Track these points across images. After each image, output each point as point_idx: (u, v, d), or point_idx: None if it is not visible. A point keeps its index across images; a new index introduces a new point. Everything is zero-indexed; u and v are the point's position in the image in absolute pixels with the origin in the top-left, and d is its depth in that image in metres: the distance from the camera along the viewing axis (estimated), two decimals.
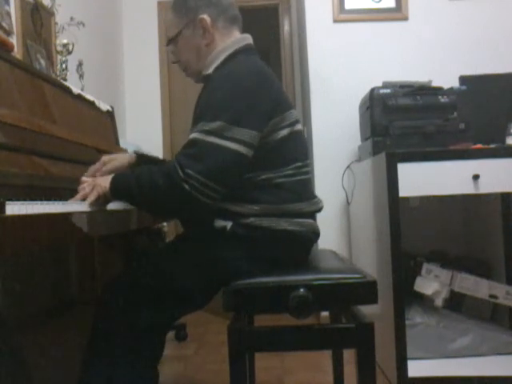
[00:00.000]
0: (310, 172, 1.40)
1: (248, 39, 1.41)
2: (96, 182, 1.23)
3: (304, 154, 1.38)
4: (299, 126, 1.37)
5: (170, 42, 1.42)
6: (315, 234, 1.37)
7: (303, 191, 1.33)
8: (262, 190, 1.27)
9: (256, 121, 1.22)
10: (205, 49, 1.37)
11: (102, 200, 1.23)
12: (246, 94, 1.23)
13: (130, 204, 1.31)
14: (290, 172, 1.30)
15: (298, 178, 1.32)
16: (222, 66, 1.34)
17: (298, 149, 1.34)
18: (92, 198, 1.19)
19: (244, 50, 1.36)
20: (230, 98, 1.21)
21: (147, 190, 1.19)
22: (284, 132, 1.28)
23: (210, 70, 1.35)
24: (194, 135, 1.19)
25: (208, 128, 1.17)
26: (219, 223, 1.27)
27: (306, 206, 1.32)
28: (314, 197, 1.39)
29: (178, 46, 1.41)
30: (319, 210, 1.40)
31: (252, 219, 1.25)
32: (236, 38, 1.38)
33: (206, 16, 1.35)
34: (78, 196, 1.20)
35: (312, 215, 1.37)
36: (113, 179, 1.23)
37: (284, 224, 1.27)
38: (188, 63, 1.42)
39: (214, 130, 1.17)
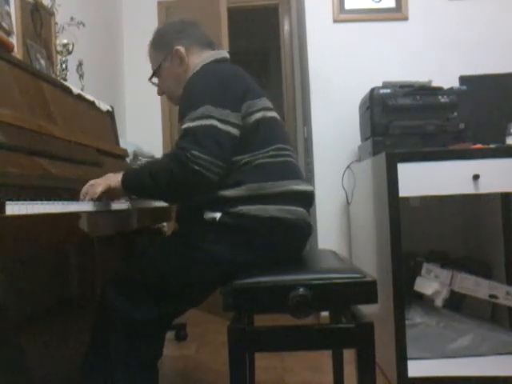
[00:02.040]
0: (295, 157, 1.45)
1: (223, 54, 1.50)
2: (106, 176, 1.31)
3: (284, 139, 1.43)
4: (273, 113, 1.43)
5: (153, 75, 1.54)
6: (307, 224, 1.37)
7: (287, 171, 1.37)
8: (245, 172, 1.31)
9: (233, 103, 1.30)
10: (183, 74, 1.48)
11: (114, 194, 1.30)
12: (220, 81, 1.33)
13: (139, 195, 1.41)
14: (272, 153, 1.35)
15: (281, 159, 1.36)
16: (197, 73, 1.42)
17: (276, 133, 1.40)
18: (100, 188, 1.26)
19: (220, 60, 1.47)
20: (207, 87, 1.32)
21: (160, 178, 1.26)
22: (258, 115, 1.36)
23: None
24: (185, 126, 1.26)
25: (195, 116, 1.25)
26: (208, 215, 1.29)
27: (291, 184, 1.33)
28: (300, 178, 1.40)
29: (161, 77, 1.53)
30: (307, 192, 1.39)
31: (240, 207, 1.27)
32: (209, 54, 1.48)
33: (180, 47, 1.48)
34: (86, 193, 1.27)
35: (302, 202, 1.36)
36: (124, 173, 1.31)
37: (272, 211, 1.28)
38: (171, 91, 1.54)
39: (200, 115, 1.25)
